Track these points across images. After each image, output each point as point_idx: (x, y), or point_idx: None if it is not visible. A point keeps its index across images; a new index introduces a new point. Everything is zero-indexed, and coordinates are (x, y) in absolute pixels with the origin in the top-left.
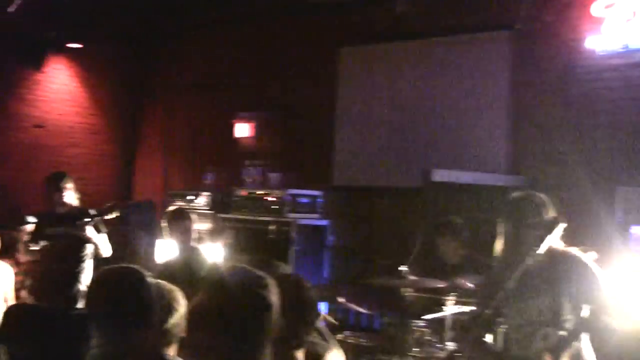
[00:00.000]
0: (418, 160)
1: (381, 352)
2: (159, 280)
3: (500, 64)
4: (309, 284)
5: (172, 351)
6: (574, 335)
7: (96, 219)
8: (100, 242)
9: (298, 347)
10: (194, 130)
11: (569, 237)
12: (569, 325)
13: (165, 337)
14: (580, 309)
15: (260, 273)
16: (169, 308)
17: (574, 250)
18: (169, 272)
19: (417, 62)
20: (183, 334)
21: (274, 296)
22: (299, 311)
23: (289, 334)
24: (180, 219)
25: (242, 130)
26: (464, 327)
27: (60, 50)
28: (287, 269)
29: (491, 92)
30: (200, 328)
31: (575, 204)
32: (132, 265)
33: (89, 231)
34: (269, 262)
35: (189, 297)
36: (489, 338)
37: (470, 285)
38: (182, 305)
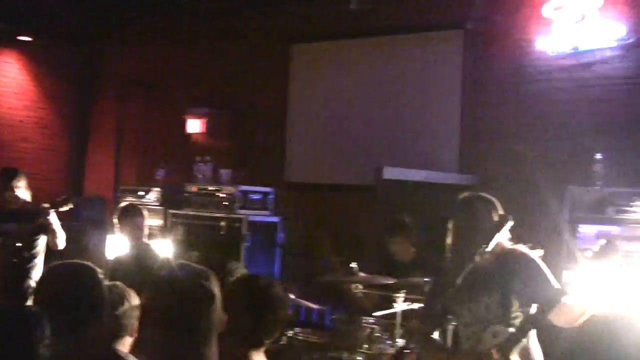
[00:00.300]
0: (370, 158)
1: (332, 349)
2: (109, 277)
3: (452, 64)
4: (278, 284)
5: (124, 347)
6: (523, 332)
7: (51, 211)
8: (58, 232)
9: (257, 346)
10: (145, 126)
11: (519, 235)
12: (517, 322)
13: (115, 329)
14: (529, 306)
15: (202, 267)
16: (118, 300)
17: (522, 248)
18: (120, 268)
19: (370, 60)
20: (134, 329)
21: (216, 288)
22: (261, 311)
23: (249, 332)
24: (132, 215)
25: (194, 126)
26: (414, 324)
27: (10, 43)
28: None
29: (443, 91)
30: (150, 324)
31: (525, 202)
32: (82, 262)
33: (52, 218)
34: (226, 261)
35: (139, 294)
36: (437, 335)
37: (420, 282)
38: (132, 299)
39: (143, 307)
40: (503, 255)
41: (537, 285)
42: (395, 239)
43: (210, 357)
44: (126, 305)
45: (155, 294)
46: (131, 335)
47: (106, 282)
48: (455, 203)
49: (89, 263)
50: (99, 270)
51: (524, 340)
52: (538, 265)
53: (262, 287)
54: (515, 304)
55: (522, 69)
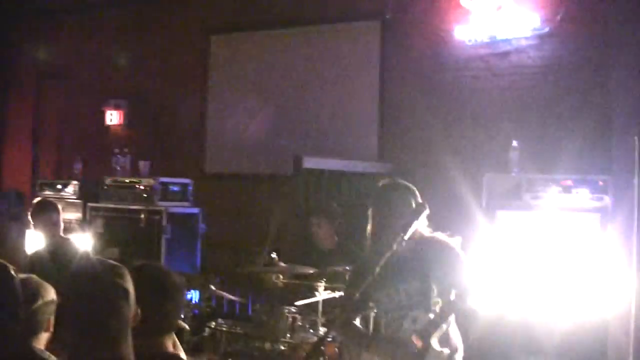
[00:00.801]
0: (290, 148)
1: (254, 339)
2: (25, 274)
3: (370, 53)
4: (169, 270)
5: (40, 344)
6: (442, 318)
7: None
8: None
9: (165, 332)
10: (63, 119)
11: (437, 223)
12: (437, 308)
13: (30, 325)
14: (448, 292)
15: (115, 262)
16: (33, 296)
17: (440, 235)
18: (37, 264)
19: (288, 50)
20: (50, 324)
21: (129, 284)
22: (161, 297)
23: (153, 321)
24: (46, 211)
25: (113, 118)
26: (335, 313)
27: None
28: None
29: (362, 81)
30: (64, 321)
31: (443, 190)
32: None
33: None
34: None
35: (58, 290)
36: (358, 322)
37: (341, 270)
38: (47, 294)
39: (58, 304)
40: (422, 243)
41: (456, 272)
42: (319, 224)
43: (126, 353)
44: (40, 302)
45: (68, 291)
46: (47, 331)
47: (21, 276)
48: (372, 191)
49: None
50: (9, 266)
51: (444, 326)
52: (457, 253)
53: (159, 275)
54: (435, 290)
55: (440, 58)
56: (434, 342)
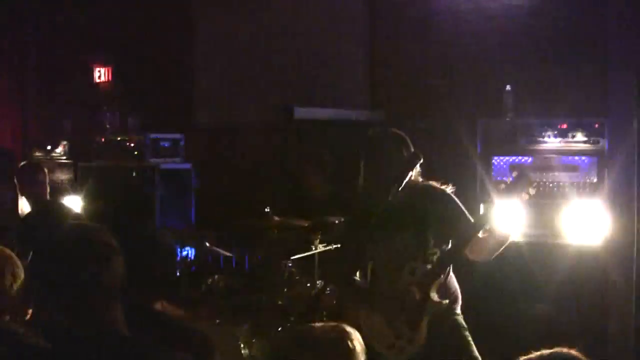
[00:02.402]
0: (280, 96)
1: (251, 294)
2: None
3: None
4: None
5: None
6: (441, 268)
7: None
8: None
9: (156, 297)
10: (50, 77)
11: (432, 170)
12: (434, 258)
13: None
14: (446, 242)
15: (96, 224)
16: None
17: (434, 184)
18: (27, 229)
19: None
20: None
21: (114, 241)
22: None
23: (148, 285)
24: (32, 173)
25: (100, 74)
26: (331, 265)
27: None
28: None
29: (351, 27)
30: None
31: (438, 136)
32: None
33: None
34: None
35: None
36: (358, 276)
37: (335, 222)
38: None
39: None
40: (416, 192)
41: (452, 221)
42: (311, 173)
43: (114, 316)
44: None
45: (47, 255)
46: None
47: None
48: (364, 140)
49: None
50: None
51: (442, 276)
52: (453, 200)
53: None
54: (431, 241)
55: (429, 1)
56: (433, 293)
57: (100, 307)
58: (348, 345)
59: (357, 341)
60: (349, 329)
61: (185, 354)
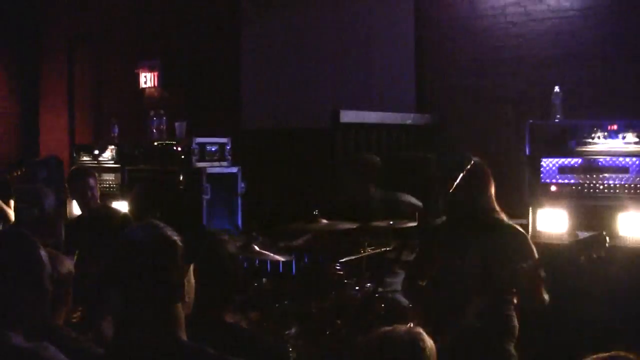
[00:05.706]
0: (326, 100)
1: (299, 297)
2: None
3: (405, 1)
4: (225, 237)
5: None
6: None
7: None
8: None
9: (225, 308)
10: (98, 82)
11: None
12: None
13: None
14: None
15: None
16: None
17: (514, 224)
18: (74, 233)
19: (321, 1)
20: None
21: (177, 237)
22: (219, 270)
23: (214, 296)
24: (81, 178)
25: (147, 79)
26: (384, 269)
27: None
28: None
29: (397, 30)
30: (111, 286)
31: (484, 138)
32: (16, 230)
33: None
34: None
35: (96, 257)
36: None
37: (384, 226)
38: (61, 266)
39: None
40: (495, 227)
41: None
42: (358, 177)
43: (176, 314)
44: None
45: (115, 254)
46: (66, 305)
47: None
48: (438, 165)
49: (23, 230)
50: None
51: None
52: (529, 243)
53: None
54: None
55: (476, 3)
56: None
57: (164, 306)
58: (420, 345)
59: (428, 341)
60: (418, 329)
61: None
